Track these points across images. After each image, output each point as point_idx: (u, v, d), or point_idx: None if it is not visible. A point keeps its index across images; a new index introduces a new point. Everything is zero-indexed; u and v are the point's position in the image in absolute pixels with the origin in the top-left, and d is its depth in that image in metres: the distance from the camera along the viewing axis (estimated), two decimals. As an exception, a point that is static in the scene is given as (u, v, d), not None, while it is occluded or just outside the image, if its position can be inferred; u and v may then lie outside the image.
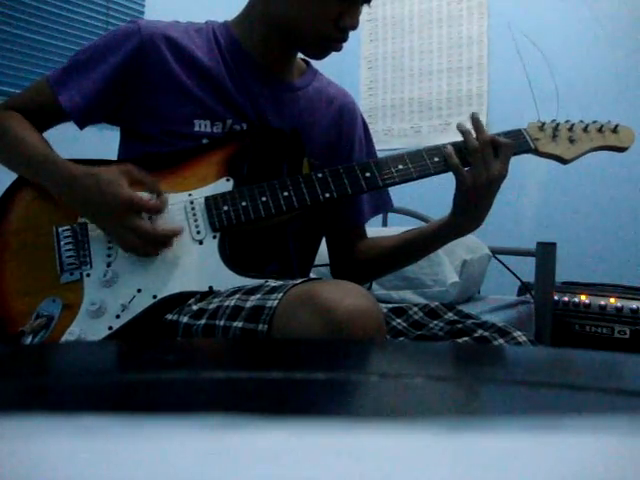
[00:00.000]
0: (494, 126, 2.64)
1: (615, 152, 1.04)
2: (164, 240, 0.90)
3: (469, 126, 0.97)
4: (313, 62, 1.12)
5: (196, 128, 0.99)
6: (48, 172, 0.93)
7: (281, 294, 0.74)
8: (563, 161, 1.03)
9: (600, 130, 1.03)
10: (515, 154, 0.98)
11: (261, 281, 0.85)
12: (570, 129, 1.03)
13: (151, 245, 0.89)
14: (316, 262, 1.20)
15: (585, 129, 1.03)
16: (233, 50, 1.03)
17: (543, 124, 1.02)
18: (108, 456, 0.18)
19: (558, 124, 1.03)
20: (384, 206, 1.20)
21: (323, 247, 1.20)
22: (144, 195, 0.90)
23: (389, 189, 1.15)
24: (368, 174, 0.96)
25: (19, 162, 0.98)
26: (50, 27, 2.17)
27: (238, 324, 0.76)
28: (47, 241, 0.94)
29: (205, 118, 0.99)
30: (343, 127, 1.13)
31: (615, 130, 1.03)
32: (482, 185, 0.95)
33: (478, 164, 0.94)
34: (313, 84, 1.10)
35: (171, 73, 0.98)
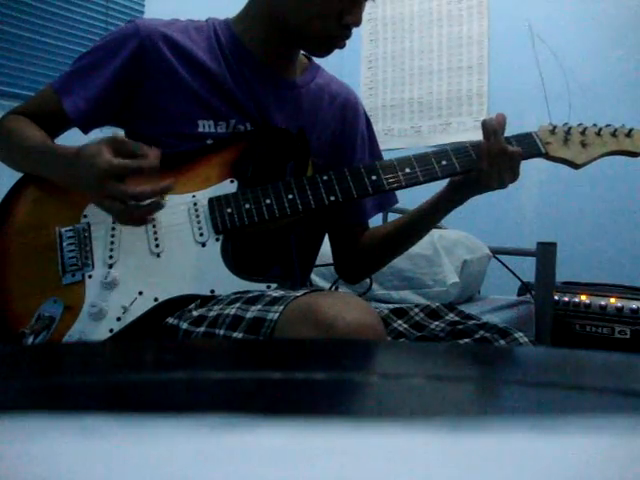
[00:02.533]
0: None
1: (628, 157, 1.02)
2: (141, 195, 0.82)
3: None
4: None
5: (200, 129, 0.98)
6: (49, 160, 0.93)
7: (282, 307, 0.74)
8: (575, 166, 1.00)
9: (614, 134, 1.00)
10: (525, 158, 0.97)
11: (263, 287, 0.85)
12: (582, 133, 1.00)
13: (133, 206, 0.83)
14: (317, 262, 1.20)
15: (598, 133, 1.00)
16: (234, 48, 1.02)
17: (554, 127, 0.99)
18: (108, 456, 0.18)
19: (570, 128, 1.00)
20: (388, 202, 1.19)
21: (323, 248, 1.20)
22: (128, 161, 0.83)
23: None
24: (374, 177, 0.95)
25: (24, 158, 0.98)
26: (50, 27, 2.17)
27: (238, 335, 0.76)
28: (49, 242, 0.94)
29: (208, 118, 0.98)
30: (346, 124, 1.12)
31: (629, 134, 1.00)
32: (491, 187, 0.96)
33: (495, 169, 0.94)
34: (315, 81, 1.10)
35: (172, 72, 0.98)
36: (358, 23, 0.96)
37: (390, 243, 1.14)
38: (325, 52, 1.01)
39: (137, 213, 0.84)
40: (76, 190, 0.92)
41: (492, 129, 0.94)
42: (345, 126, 1.12)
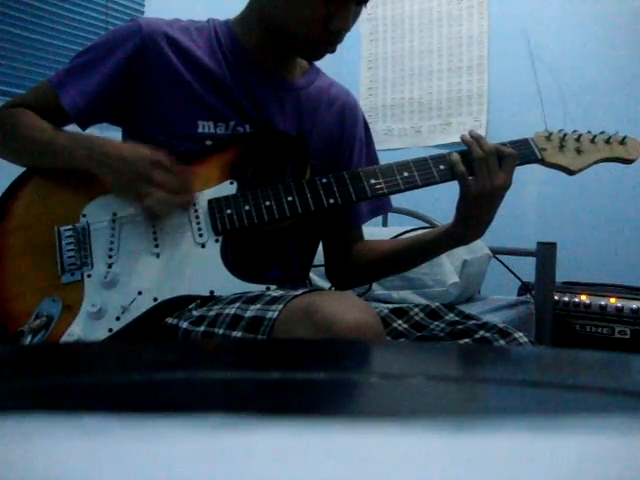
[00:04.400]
0: (494, 126, 2.65)
1: (622, 164, 1.04)
2: (186, 189, 0.92)
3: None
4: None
5: (199, 129, 0.98)
6: (73, 145, 0.93)
7: (281, 305, 0.74)
8: (569, 172, 1.02)
9: (608, 141, 1.02)
10: (521, 164, 0.97)
11: (262, 287, 0.85)
12: (577, 139, 1.02)
13: (173, 195, 0.90)
14: (316, 262, 1.20)
15: (592, 140, 1.02)
16: (234, 50, 1.02)
17: (550, 134, 1.01)
18: (108, 456, 0.18)
19: (565, 134, 1.02)
20: (383, 208, 1.19)
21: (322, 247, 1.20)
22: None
23: None
24: (373, 181, 0.96)
25: (35, 149, 0.97)
26: (49, 27, 2.16)
27: (237, 333, 0.76)
28: (48, 240, 0.94)
29: (208, 119, 0.98)
30: (345, 128, 1.12)
31: (623, 142, 1.02)
32: (486, 194, 0.94)
33: (483, 173, 0.93)
34: (315, 84, 1.10)
35: (173, 72, 0.98)
36: (345, 28, 0.94)
37: (386, 263, 1.14)
38: (314, 57, 1.01)
39: (173, 202, 0.91)
40: (107, 170, 0.92)
41: (475, 136, 0.96)
42: (344, 130, 1.12)
